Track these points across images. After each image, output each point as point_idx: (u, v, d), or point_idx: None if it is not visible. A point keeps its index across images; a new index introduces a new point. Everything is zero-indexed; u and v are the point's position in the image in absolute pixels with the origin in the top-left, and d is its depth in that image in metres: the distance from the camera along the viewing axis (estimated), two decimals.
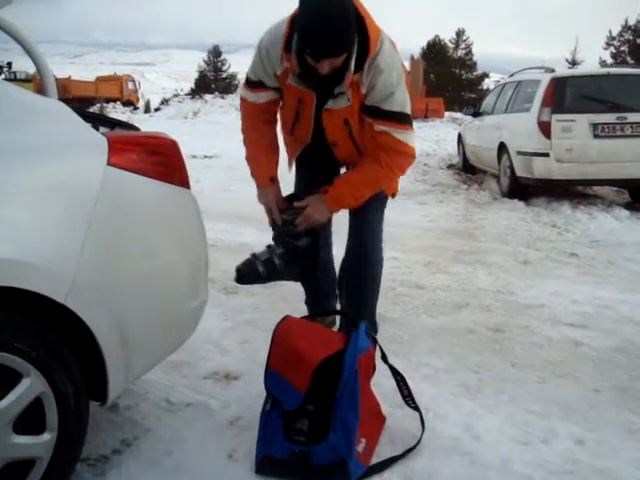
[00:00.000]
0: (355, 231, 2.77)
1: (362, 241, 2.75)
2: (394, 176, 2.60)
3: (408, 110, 2.47)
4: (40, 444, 1.64)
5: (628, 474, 2.01)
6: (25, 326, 1.59)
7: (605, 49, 26.04)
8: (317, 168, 2.77)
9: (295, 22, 2.28)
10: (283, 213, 2.60)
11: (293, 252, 2.54)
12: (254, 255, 2.54)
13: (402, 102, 2.43)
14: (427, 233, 5.67)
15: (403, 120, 2.44)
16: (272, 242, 2.60)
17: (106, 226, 1.75)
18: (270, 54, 2.44)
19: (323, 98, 2.45)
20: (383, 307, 3.46)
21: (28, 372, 1.57)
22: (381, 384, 2.32)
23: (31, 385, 1.58)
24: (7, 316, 1.56)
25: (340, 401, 2.00)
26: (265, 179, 2.63)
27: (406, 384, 2.27)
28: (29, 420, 1.61)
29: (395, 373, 2.27)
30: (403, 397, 2.27)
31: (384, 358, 2.25)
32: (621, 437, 2.27)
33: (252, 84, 2.56)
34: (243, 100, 2.64)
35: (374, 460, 2.05)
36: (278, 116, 2.72)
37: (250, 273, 2.51)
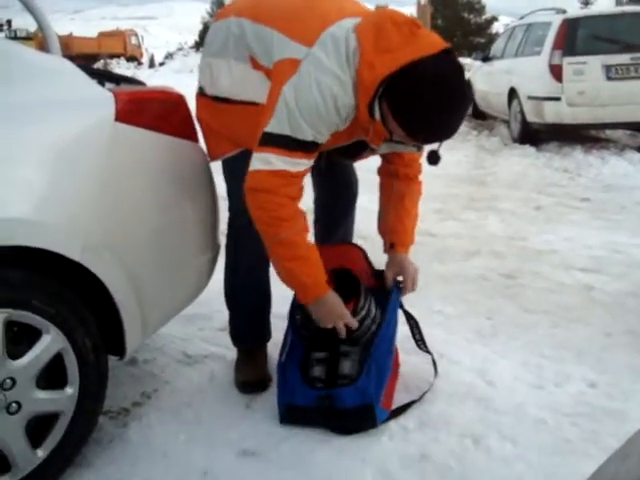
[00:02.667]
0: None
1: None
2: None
3: None
4: (63, 398, 1.68)
5: (639, 415, 2.03)
6: (42, 284, 1.61)
7: None
8: None
9: (405, 99, 1.71)
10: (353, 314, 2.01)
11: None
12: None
13: None
14: (437, 180, 5.61)
15: None
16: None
17: (116, 182, 1.75)
18: (347, 113, 1.81)
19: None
20: None
21: (47, 329, 1.60)
22: None
23: (51, 342, 1.61)
24: (25, 275, 1.58)
25: (379, 346, 2.01)
26: (325, 281, 1.93)
27: (419, 328, 2.29)
28: (51, 376, 1.65)
29: (409, 317, 2.28)
30: (415, 340, 2.28)
31: (399, 303, 2.25)
32: (632, 380, 2.29)
33: (314, 147, 1.82)
34: (290, 176, 1.80)
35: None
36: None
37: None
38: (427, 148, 1.89)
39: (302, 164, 1.82)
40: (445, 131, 1.78)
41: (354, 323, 1.98)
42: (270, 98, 1.86)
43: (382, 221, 2.22)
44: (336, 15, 1.85)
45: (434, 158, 1.84)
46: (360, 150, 2.05)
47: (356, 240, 2.33)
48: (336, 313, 1.95)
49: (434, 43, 1.73)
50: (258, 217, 1.87)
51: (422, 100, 1.69)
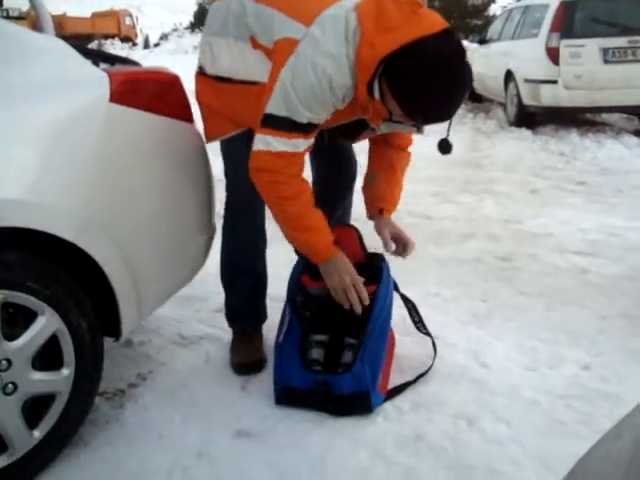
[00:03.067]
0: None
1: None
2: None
3: None
4: (59, 379, 1.68)
5: (633, 398, 2.03)
6: (37, 266, 1.61)
7: None
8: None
9: (406, 80, 1.70)
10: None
11: None
12: None
13: None
14: (434, 163, 5.58)
15: None
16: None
17: (111, 163, 1.74)
18: (344, 93, 1.81)
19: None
20: None
21: (43, 310, 1.60)
22: None
23: (46, 323, 1.61)
24: (20, 256, 1.57)
25: (371, 333, 2.00)
26: (332, 244, 1.98)
27: (417, 310, 2.30)
28: (47, 357, 1.65)
29: (406, 300, 2.28)
30: (414, 323, 2.29)
31: (395, 286, 2.25)
32: (627, 362, 2.30)
33: (311, 128, 1.85)
34: (290, 156, 1.84)
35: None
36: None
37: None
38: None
39: (301, 144, 1.85)
40: (445, 112, 1.78)
41: (365, 294, 1.99)
42: (270, 78, 1.86)
43: (372, 186, 2.23)
44: None
45: (446, 147, 1.86)
46: (360, 129, 2.05)
47: (352, 222, 2.33)
48: (346, 272, 1.97)
49: (435, 22, 1.71)
50: (265, 195, 1.94)
51: (423, 80, 1.68)
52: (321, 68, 1.75)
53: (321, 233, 1.96)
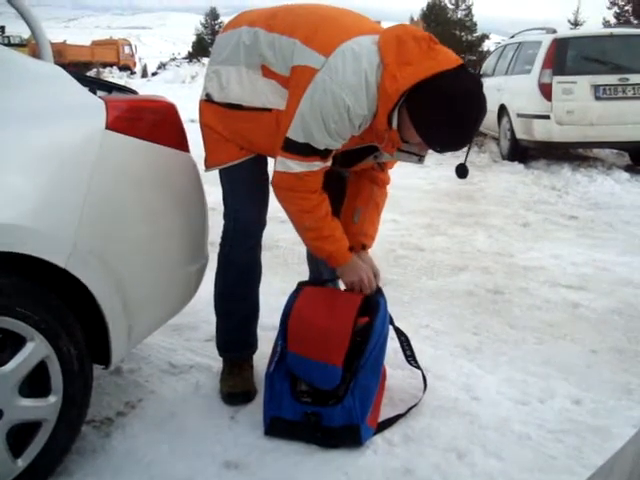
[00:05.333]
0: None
1: None
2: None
3: None
4: (46, 407, 1.66)
5: (623, 432, 2.04)
6: (27, 291, 1.60)
7: (609, 9, 25.64)
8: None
9: (427, 113, 1.81)
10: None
11: None
12: None
13: None
14: (426, 196, 5.66)
15: None
16: None
17: (105, 190, 1.74)
18: (360, 122, 1.89)
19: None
20: (383, 269, 3.47)
21: (32, 336, 1.59)
22: None
23: (35, 349, 1.59)
24: (9, 281, 1.56)
25: (364, 367, 1.99)
26: (347, 251, 2.11)
27: (409, 344, 2.29)
28: (35, 383, 1.63)
29: (399, 333, 2.27)
30: (406, 357, 2.28)
31: (390, 320, 2.23)
32: (617, 397, 2.30)
33: (328, 152, 1.94)
34: (307, 176, 1.94)
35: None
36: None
37: None
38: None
39: (318, 166, 1.95)
40: (461, 141, 1.91)
41: (373, 284, 2.14)
42: (289, 103, 1.94)
43: (356, 222, 2.27)
44: (357, 30, 1.91)
45: (462, 171, 2.01)
46: (361, 158, 2.12)
47: None
48: (362, 270, 2.13)
49: (451, 59, 1.82)
50: (285, 209, 2.05)
51: (442, 112, 1.78)
52: (340, 98, 1.82)
53: (337, 242, 2.08)
